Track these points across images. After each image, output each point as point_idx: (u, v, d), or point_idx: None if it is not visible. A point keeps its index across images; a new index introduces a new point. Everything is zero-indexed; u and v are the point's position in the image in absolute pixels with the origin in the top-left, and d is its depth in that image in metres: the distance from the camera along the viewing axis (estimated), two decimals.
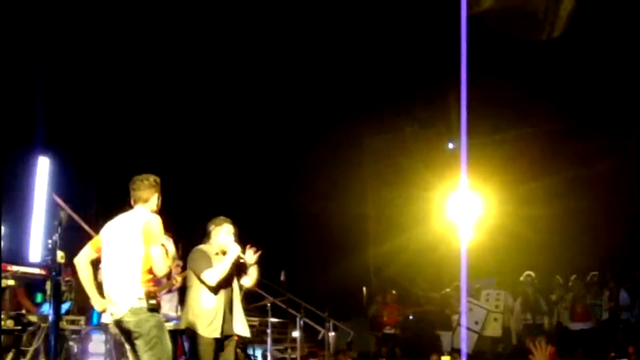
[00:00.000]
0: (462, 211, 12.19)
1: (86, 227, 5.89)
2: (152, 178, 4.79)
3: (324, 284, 12.06)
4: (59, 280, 3.12)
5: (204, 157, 11.80)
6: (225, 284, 5.35)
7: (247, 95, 11.97)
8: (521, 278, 11.42)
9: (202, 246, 5.53)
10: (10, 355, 5.18)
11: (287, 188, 12.89)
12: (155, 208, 4.76)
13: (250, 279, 5.62)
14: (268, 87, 11.96)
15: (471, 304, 11.59)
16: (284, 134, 12.75)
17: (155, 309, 4.39)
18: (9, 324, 4.85)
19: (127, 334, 4.49)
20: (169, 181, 5.22)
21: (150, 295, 4.38)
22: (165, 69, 10.81)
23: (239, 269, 5.51)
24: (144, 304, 4.36)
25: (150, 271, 4.48)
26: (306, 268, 12.14)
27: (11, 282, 4.83)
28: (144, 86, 10.66)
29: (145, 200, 4.72)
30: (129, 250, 4.51)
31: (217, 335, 5.27)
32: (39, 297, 7.04)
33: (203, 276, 5.25)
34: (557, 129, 12.64)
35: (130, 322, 4.39)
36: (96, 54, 9.95)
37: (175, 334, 6.49)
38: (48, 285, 4.88)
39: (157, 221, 4.59)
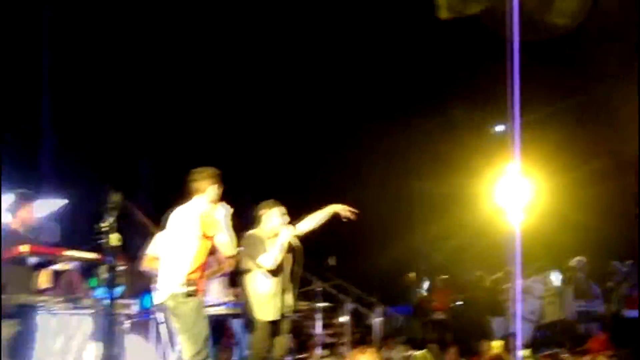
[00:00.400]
0: (511, 195, 11.95)
1: (142, 216, 5.98)
2: (209, 170, 4.97)
3: (372, 269, 12.02)
4: (114, 264, 3.16)
5: (249, 140, 11.83)
6: (279, 267, 5.41)
7: (297, 79, 11.94)
8: (572, 263, 11.16)
9: (254, 231, 5.58)
10: (61, 337, 5.27)
11: (334, 174, 12.85)
12: (214, 199, 4.88)
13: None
14: (317, 72, 11.91)
15: (525, 294, 11.40)
16: (328, 118, 12.69)
17: (192, 294, 4.55)
18: (65, 306, 4.92)
19: (168, 317, 4.78)
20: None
21: (190, 282, 4.57)
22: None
23: (293, 253, 5.54)
24: (183, 289, 4.54)
25: (200, 260, 4.68)
26: (355, 253, 12.11)
27: (67, 267, 4.91)
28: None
29: (202, 192, 4.88)
30: (183, 240, 4.69)
31: (272, 318, 5.37)
32: (92, 282, 7.16)
33: (259, 261, 5.33)
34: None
35: (169, 305, 4.61)
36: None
37: (223, 318, 6.59)
38: (101, 270, 4.91)
39: (219, 210, 4.77)
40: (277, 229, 5.50)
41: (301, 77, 11.91)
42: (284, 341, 5.57)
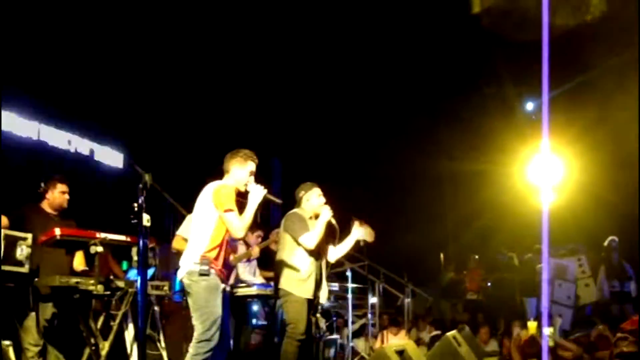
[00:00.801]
0: (543, 174, 11.80)
1: (171, 199, 6.01)
2: (238, 151, 4.87)
3: (402, 249, 11.98)
4: (147, 243, 3.14)
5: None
6: (317, 248, 5.46)
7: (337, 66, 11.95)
8: (605, 243, 11.00)
9: (295, 210, 5.63)
10: (101, 319, 5.36)
11: (363, 154, 12.82)
12: (239, 179, 4.80)
13: (336, 252, 5.77)
14: (356, 57, 11.87)
15: (560, 280, 11.30)
16: (362, 98, 12.62)
17: (206, 273, 4.49)
18: (99, 289, 4.98)
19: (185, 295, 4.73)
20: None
21: (204, 261, 4.51)
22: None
23: (331, 234, 5.60)
24: (196, 267, 4.50)
25: (218, 238, 4.61)
26: (385, 234, 12.05)
27: (100, 249, 4.95)
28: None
29: (227, 172, 4.83)
30: (201, 217, 4.67)
31: (310, 296, 5.41)
32: (124, 265, 7.26)
33: (301, 239, 5.39)
34: None
35: (185, 283, 4.57)
36: None
37: (251, 298, 6.64)
38: (133, 252, 4.98)
39: (226, 188, 4.68)
40: (317, 209, 5.54)
41: (333, 63, 11.85)
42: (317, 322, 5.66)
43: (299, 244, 5.41)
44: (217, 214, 4.59)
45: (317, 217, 5.51)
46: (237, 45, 10.70)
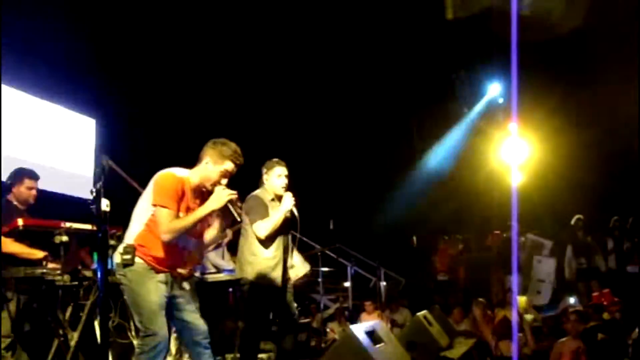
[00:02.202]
0: (512, 154, 11.98)
1: (136, 185, 5.94)
2: (223, 146, 4.25)
3: (374, 232, 12.04)
4: (106, 229, 3.07)
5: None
6: (280, 232, 5.22)
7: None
8: (572, 222, 11.20)
9: (257, 192, 5.31)
10: (69, 310, 5.32)
11: (335, 136, 12.83)
12: (209, 179, 4.23)
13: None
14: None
15: (538, 256, 11.48)
16: (337, 78, 12.63)
17: (129, 262, 4.04)
18: (66, 279, 4.93)
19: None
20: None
21: (127, 250, 4.05)
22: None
23: (292, 224, 5.31)
24: (118, 259, 4.08)
25: (150, 230, 4.13)
26: (355, 216, 12.12)
27: (65, 239, 4.90)
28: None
29: (199, 160, 4.28)
30: (139, 204, 4.24)
31: (276, 284, 5.20)
32: (95, 256, 7.18)
33: (254, 227, 5.13)
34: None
35: (117, 277, 4.15)
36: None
37: (225, 284, 6.61)
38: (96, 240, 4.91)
39: (167, 179, 4.13)
40: (277, 191, 5.26)
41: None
42: (291, 307, 5.39)
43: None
44: (149, 203, 4.11)
45: (279, 198, 5.22)
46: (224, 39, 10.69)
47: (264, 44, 11.30)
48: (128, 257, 4.03)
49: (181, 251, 4.27)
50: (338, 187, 12.59)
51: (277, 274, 5.22)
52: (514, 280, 10.00)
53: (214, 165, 4.22)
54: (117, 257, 4.10)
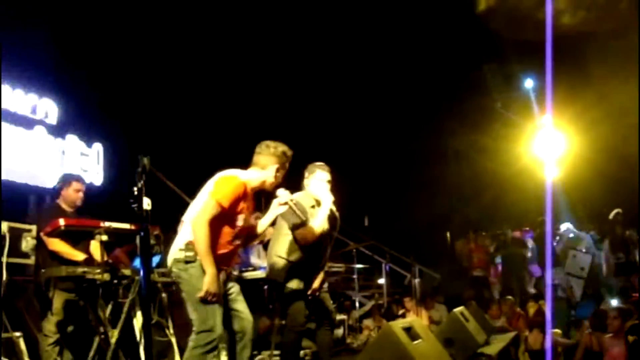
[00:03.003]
0: (546, 149, 11.83)
1: (172, 185, 6.00)
2: (279, 147, 4.45)
3: (408, 228, 11.99)
4: (147, 228, 3.10)
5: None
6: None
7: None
8: (610, 216, 11.02)
9: (298, 196, 5.08)
10: (109, 308, 5.40)
11: (367, 134, 12.81)
12: (272, 181, 4.43)
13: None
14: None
15: (574, 250, 11.32)
16: (367, 77, 12.61)
17: (192, 260, 4.12)
18: (106, 277, 5.01)
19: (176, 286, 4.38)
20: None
21: (189, 247, 4.14)
22: None
23: (331, 224, 5.20)
24: (181, 254, 4.16)
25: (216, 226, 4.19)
26: (390, 213, 12.09)
27: (105, 238, 4.98)
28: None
29: (262, 167, 4.42)
30: (198, 202, 4.28)
31: (302, 287, 5.10)
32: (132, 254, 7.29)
33: (296, 233, 4.99)
34: None
35: (174, 273, 4.25)
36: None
37: (261, 282, 6.61)
38: (138, 240, 4.98)
39: (233, 181, 4.24)
40: (319, 197, 5.13)
41: (334, 42, 11.87)
42: (326, 306, 5.33)
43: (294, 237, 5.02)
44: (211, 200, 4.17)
45: (319, 203, 5.11)
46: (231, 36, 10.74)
47: (281, 38, 11.31)
48: (191, 253, 4.12)
49: (236, 249, 4.43)
50: (373, 184, 12.57)
51: (303, 277, 5.12)
52: (548, 274, 9.87)
53: (280, 170, 4.44)
54: (178, 253, 4.18)
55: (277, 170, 4.42)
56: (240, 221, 4.33)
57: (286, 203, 4.57)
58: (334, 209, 5.15)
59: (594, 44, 11.34)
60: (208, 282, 4.09)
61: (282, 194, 4.60)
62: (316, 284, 5.20)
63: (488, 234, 12.26)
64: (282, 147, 4.46)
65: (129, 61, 9.81)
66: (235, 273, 5.95)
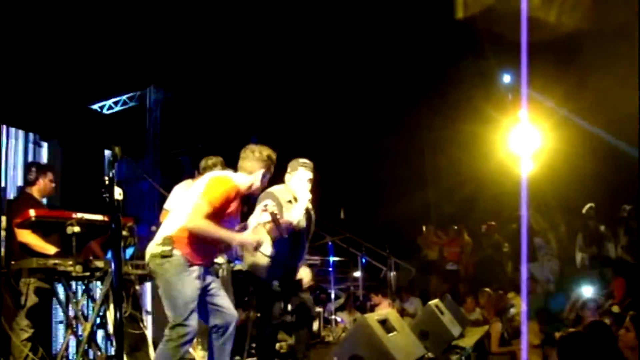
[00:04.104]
0: (522, 143, 11.90)
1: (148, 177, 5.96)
2: (264, 151, 4.50)
3: (384, 222, 12.01)
4: (119, 219, 3.05)
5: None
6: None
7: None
8: (583, 211, 11.14)
9: (276, 190, 5.16)
10: (82, 300, 5.33)
11: (343, 128, 12.80)
12: (258, 184, 4.50)
13: None
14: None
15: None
16: (341, 73, 12.58)
17: (168, 254, 4.15)
18: (78, 269, 4.93)
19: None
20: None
21: (166, 241, 4.18)
22: None
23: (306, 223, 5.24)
24: (158, 249, 4.19)
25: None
26: (366, 206, 12.11)
27: (77, 229, 4.90)
28: None
29: (250, 172, 4.48)
30: (186, 201, 4.33)
31: (281, 279, 5.11)
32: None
33: (267, 227, 4.92)
34: None
35: (150, 268, 4.29)
36: None
37: (238, 275, 6.58)
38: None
39: (225, 182, 4.30)
40: (297, 194, 5.14)
41: (311, 40, 11.83)
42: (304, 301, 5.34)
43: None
44: (199, 198, 4.22)
45: (296, 200, 5.12)
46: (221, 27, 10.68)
47: (256, 31, 11.27)
48: (168, 248, 4.14)
49: (217, 248, 4.49)
50: (349, 176, 12.57)
51: (281, 270, 5.13)
52: (524, 268, 9.94)
53: (260, 173, 4.49)
54: (154, 248, 4.21)
55: (264, 175, 4.50)
56: (230, 224, 4.38)
57: (271, 214, 4.60)
58: (311, 207, 5.18)
59: (572, 41, 11.45)
60: (247, 239, 4.33)
61: (269, 204, 4.64)
62: (308, 277, 5.27)
63: (461, 227, 12.28)
64: (266, 151, 4.51)
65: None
66: (221, 261, 5.91)
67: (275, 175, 5.01)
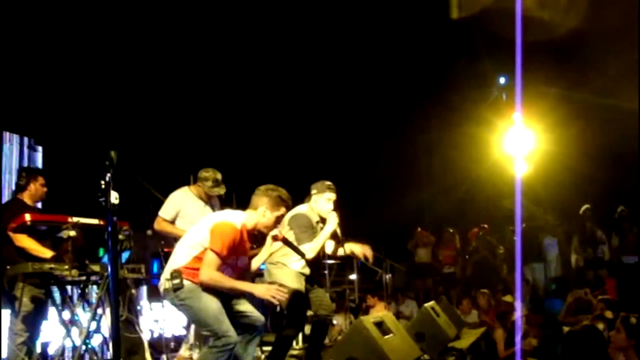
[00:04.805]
0: (516, 145, 11.95)
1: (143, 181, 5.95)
2: (275, 192, 4.56)
3: (379, 225, 12.00)
4: (115, 222, 3.05)
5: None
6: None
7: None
8: (580, 212, 11.17)
9: (305, 211, 5.42)
10: (78, 305, 5.33)
11: (338, 130, 12.81)
12: (263, 221, 4.55)
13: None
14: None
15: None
16: (337, 74, 12.59)
17: (178, 287, 4.31)
18: (74, 274, 4.93)
19: None
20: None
21: (174, 275, 4.33)
22: None
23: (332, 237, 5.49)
24: (169, 284, 4.34)
25: (193, 265, 4.39)
26: (361, 208, 12.10)
27: (72, 233, 4.90)
28: None
29: (255, 208, 4.55)
30: (193, 238, 4.48)
31: (302, 289, 5.30)
32: (101, 252, 7.18)
33: (303, 248, 5.16)
34: None
35: (170, 303, 4.49)
36: None
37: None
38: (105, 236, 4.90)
39: (228, 229, 4.38)
40: (323, 214, 5.39)
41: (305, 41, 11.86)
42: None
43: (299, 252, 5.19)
44: (203, 246, 4.38)
45: (323, 221, 5.37)
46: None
47: (249, 33, 11.28)
48: (177, 281, 4.31)
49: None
50: (345, 178, 12.56)
51: (302, 283, 5.33)
52: (518, 270, 9.97)
53: (271, 212, 4.53)
54: (165, 284, 4.36)
55: (265, 211, 4.51)
56: (239, 262, 4.53)
57: (280, 239, 4.69)
58: (338, 230, 5.36)
59: (567, 42, 11.50)
60: (260, 292, 4.37)
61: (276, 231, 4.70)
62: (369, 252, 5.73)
63: (455, 232, 12.29)
64: (277, 192, 4.56)
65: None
66: None
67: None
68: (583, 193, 11.69)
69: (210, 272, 4.30)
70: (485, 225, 11.93)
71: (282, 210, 4.58)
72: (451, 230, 12.11)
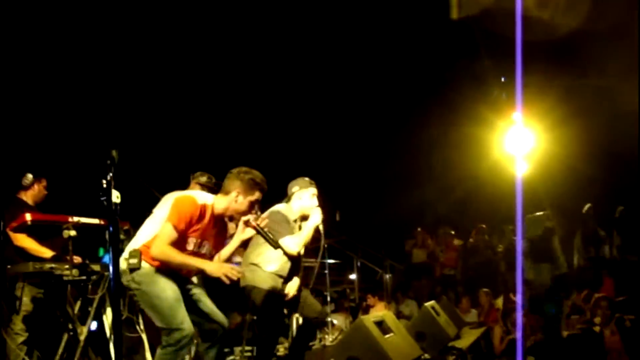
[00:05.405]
0: (516, 144, 11.94)
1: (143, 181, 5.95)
2: (248, 175, 4.25)
3: (380, 224, 12.02)
4: (117, 222, 3.04)
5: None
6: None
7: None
8: (583, 210, 11.17)
9: (282, 208, 5.12)
10: (78, 304, 5.33)
11: (337, 130, 12.82)
12: (234, 206, 4.23)
13: None
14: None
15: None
16: (340, 72, 12.59)
17: (135, 267, 4.00)
18: (74, 273, 4.92)
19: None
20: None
21: (132, 254, 4.01)
22: None
23: (314, 239, 5.24)
24: (125, 265, 4.01)
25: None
26: (361, 208, 12.12)
27: (73, 233, 4.89)
28: None
29: (226, 193, 4.24)
30: (155, 218, 4.23)
31: (281, 291, 5.04)
32: (100, 251, 7.19)
33: (284, 243, 4.83)
34: None
35: (124, 284, 4.09)
36: None
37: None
38: (106, 235, 4.89)
39: (187, 202, 4.10)
40: (307, 210, 5.11)
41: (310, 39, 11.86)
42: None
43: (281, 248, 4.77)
44: (163, 220, 4.08)
45: (304, 218, 5.11)
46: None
47: (249, 32, 11.29)
48: (134, 261, 4.00)
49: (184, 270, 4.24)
50: (344, 179, 12.57)
51: (279, 285, 5.06)
52: (519, 268, 9.96)
53: (244, 197, 4.22)
54: (122, 263, 3.99)
55: (238, 195, 4.21)
56: (190, 245, 4.18)
57: (252, 225, 4.33)
58: (322, 227, 5.10)
59: (567, 42, 11.50)
60: (212, 269, 4.04)
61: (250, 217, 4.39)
62: (293, 290, 5.13)
63: (455, 233, 12.28)
64: (250, 175, 4.27)
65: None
66: None
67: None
68: (583, 193, 11.69)
69: (162, 246, 4.00)
70: (484, 225, 11.94)
71: (256, 194, 4.25)
72: (452, 232, 12.11)
